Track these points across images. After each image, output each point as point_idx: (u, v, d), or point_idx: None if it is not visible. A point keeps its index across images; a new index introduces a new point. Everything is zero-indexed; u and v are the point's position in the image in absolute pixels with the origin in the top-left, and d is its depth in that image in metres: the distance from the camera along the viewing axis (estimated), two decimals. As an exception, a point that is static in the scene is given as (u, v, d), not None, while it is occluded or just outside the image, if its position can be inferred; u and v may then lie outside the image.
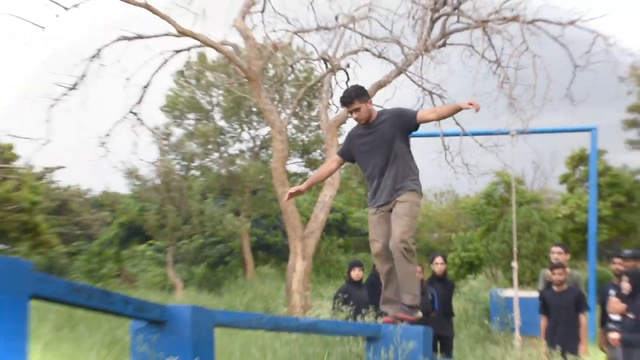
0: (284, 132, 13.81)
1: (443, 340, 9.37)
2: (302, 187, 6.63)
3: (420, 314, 5.95)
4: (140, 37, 13.11)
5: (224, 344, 8.08)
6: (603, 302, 8.56)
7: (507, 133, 13.08)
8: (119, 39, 13.05)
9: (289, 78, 20.44)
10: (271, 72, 20.29)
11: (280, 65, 17.24)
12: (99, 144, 14.38)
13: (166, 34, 13.10)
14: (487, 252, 24.52)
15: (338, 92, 13.52)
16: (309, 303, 12.78)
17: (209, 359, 3.60)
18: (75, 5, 12.42)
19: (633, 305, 7.66)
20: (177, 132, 30.01)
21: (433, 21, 13.59)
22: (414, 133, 6.18)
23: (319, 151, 29.91)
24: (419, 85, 13.86)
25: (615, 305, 8.00)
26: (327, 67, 14.11)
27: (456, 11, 13.45)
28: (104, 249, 30.30)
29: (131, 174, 25.82)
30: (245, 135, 30.49)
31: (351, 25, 13.77)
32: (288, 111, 20.77)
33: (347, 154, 6.37)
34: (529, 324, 11.65)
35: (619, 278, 8.32)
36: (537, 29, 13.08)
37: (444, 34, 13.79)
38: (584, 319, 8.72)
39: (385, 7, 13.70)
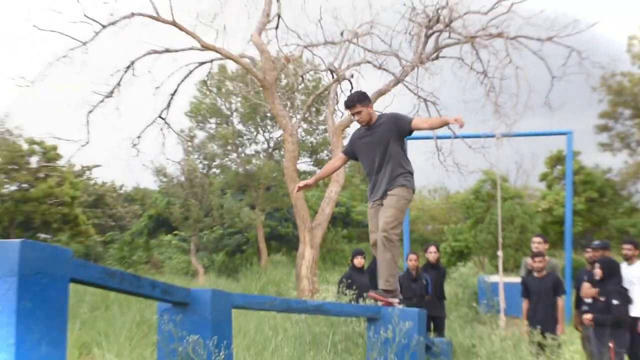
0: (294, 135, 13.80)
1: (436, 320, 9.37)
2: (310, 181, 6.64)
3: (396, 300, 5.80)
4: (168, 50, 13.12)
5: (240, 323, 8.08)
6: (578, 286, 8.55)
7: (493, 136, 13.08)
8: (149, 53, 13.07)
9: (299, 87, 20.36)
10: (284, 82, 20.25)
11: (291, 75, 17.20)
12: (131, 145, 14.44)
13: (191, 48, 13.11)
14: (475, 242, 24.48)
15: (343, 100, 13.51)
16: (316, 287, 12.77)
17: (226, 336, 3.60)
18: (112, 23, 12.47)
19: (604, 289, 7.66)
20: (200, 135, 30.06)
21: (427, 37, 13.57)
22: (411, 136, 6.18)
23: (325, 152, 29.83)
24: (415, 94, 13.85)
25: (587, 290, 8.00)
26: (333, 77, 14.10)
27: (448, 28, 13.43)
28: (135, 238, 30.41)
29: (159, 172, 25.86)
30: (260, 137, 30.51)
31: (355, 40, 13.76)
32: (298, 116, 20.72)
33: (350, 152, 6.38)
34: (513, 306, 11.64)
35: (591, 265, 8.32)
36: (519, 44, 13.06)
37: (437, 48, 13.76)
38: (560, 301, 8.71)
39: (385, 24, 13.74)
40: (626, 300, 7.62)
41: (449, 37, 13.71)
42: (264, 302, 4.31)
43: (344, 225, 31.90)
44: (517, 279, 11.53)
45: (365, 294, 6.29)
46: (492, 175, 24.16)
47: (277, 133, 29.28)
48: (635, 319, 7.80)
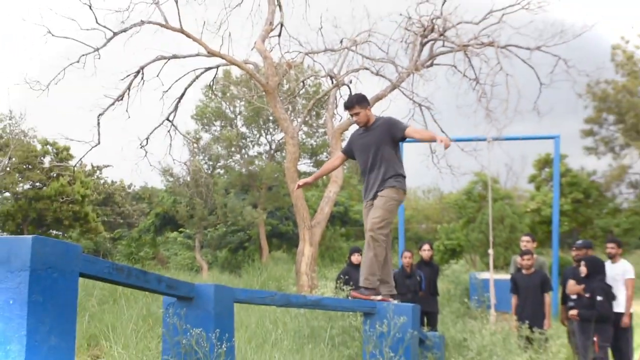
0: (295, 138, 13.78)
1: (429, 315, 9.37)
2: (310, 179, 6.66)
3: (378, 297, 5.72)
4: (175, 56, 13.11)
5: (241, 317, 8.08)
6: (564, 283, 8.56)
7: (484, 140, 13.09)
8: (158, 58, 13.06)
9: (300, 92, 20.33)
10: (285, 87, 20.24)
11: (293, 81, 17.19)
12: (139, 146, 14.43)
13: (198, 54, 13.09)
14: (467, 240, 24.51)
15: (342, 104, 13.54)
16: (315, 283, 12.74)
17: (228, 330, 3.59)
18: (123, 30, 12.47)
19: (589, 286, 7.68)
20: (205, 137, 30.00)
21: (422, 45, 13.57)
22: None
23: (325, 154, 29.81)
24: (410, 99, 13.84)
25: (572, 287, 8.02)
26: (332, 82, 14.09)
27: (442, 37, 13.43)
28: (142, 235, 30.38)
29: (166, 172, 25.84)
30: (262, 139, 30.46)
31: (353, 48, 13.76)
32: (299, 119, 20.69)
33: (349, 151, 6.40)
34: (502, 302, 11.64)
35: (577, 263, 8.34)
36: (509, 53, 13.05)
37: (432, 56, 13.76)
38: (548, 298, 8.72)
39: (382, 33, 13.72)
40: (610, 296, 7.64)
41: (443, 46, 13.72)
42: (264, 297, 4.30)
43: (342, 224, 31.87)
44: (506, 276, 11.54)
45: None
46: (484, 177, 24.18)
47: (278, 135, 29.28)
48: (619, 314, 7.82)
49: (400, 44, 13.78)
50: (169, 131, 14.55)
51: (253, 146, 30.76)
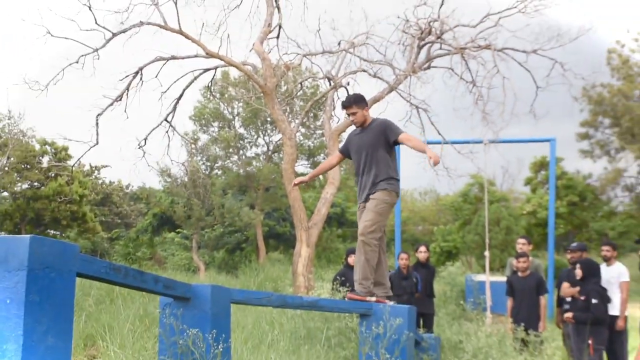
0: (293, 139, 13.79)
1: (425, 317, 9.38)
2: (306, 177, 6.67)
3: (373, 298, 5.71)
4: (174, 57, 13.10)
5: (238, 318, 8.07)
6: (559, 286, 8.57)
7: (480, 142, 13.11)
8: (156, 59, 13.05)
9: (298, 93, 20.36)
10: (283, 88, 20.24)
11: (291, 82, 17.21)
12: (137, 146, 14.41)
13: (196, 56, 13.09)
14: (463, 242, 24.51)
15: (339, 106, 13.54)
16: (312, 284, 12.74)
17: (225, 330, 3.59)
18: (122, 31, 12.46)
19: (584, 289, 7.68)
20: (203, 138, 29.97)
21: (420, 48, 13.58)
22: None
23: (322, 155, 29.83)
24: (408, 101, 13.84)
25: (567, 290, 8.04)
26: (330, 84, 14.09)
27: (439, 40, 13.46)
28: (140, 235, 30.33)
29: (164, 172, 25.82)
30: (260, 141, 30.44)
31: (351, 50, 13.76)
32: (297, 121, 20.71)
33: (345, 151, 6.40)
34: (498, 304, 11.63)
35: (573, 266, 8.35)
36: (506, 56, 13.09)
37: (429, 59, 13.78)
38: (543, 300, 8.74)
39: (380, 35, 13.75)
40: (605, 299, 7.64)
41: (440, 48, 13.75)
42: (261, 298, 4.30)
43: (339, 225, 31.87)
44: (502, 278, 11.54)
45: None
46: (480, 179, 24.21)
47: (276, 137, 29.26)
48: (614, 317, 7.83)
49: (397, 46, 13.83)
50: (167, 132, 14.55)
51: (251, 147, 30.75)
